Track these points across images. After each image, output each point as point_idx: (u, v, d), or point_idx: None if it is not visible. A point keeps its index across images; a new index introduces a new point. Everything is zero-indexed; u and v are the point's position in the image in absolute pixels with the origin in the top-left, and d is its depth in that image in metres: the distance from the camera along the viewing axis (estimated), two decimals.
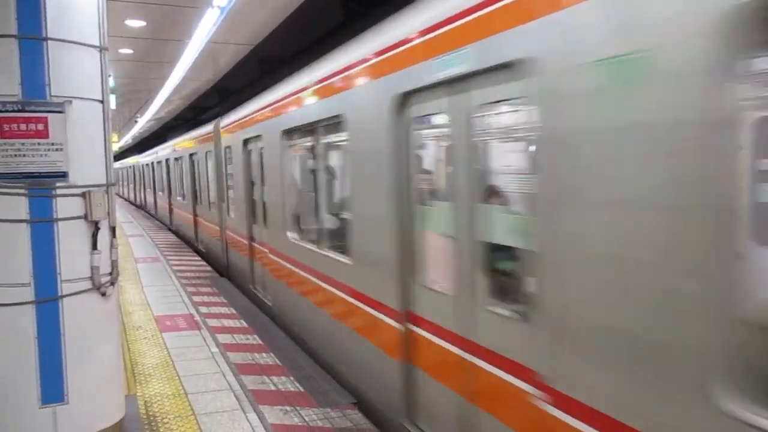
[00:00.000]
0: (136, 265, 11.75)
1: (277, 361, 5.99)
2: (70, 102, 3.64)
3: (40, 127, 3.56)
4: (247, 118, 8.39)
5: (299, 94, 6.04)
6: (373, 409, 4.71)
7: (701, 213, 1.97)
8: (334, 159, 5.96)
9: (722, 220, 1.91)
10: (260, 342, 6.68)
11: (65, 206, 3.67)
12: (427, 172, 4.10)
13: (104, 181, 3.88)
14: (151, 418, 4.56)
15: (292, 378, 5.52)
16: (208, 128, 11.76)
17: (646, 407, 2.18)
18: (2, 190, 3.53)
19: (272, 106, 7.10)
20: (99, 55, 3.83)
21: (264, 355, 6.21)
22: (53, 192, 3.63)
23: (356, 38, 4.86)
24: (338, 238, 5.49)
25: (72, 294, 3.70)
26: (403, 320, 4.11)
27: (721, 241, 1.92)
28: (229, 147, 9.80)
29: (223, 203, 10.78)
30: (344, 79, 4.81)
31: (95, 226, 3.78)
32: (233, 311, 8.16)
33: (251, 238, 8.69)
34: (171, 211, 18.83)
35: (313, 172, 6.20)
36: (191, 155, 13.99)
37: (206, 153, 12.00)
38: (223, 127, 10.16)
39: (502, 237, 3.19)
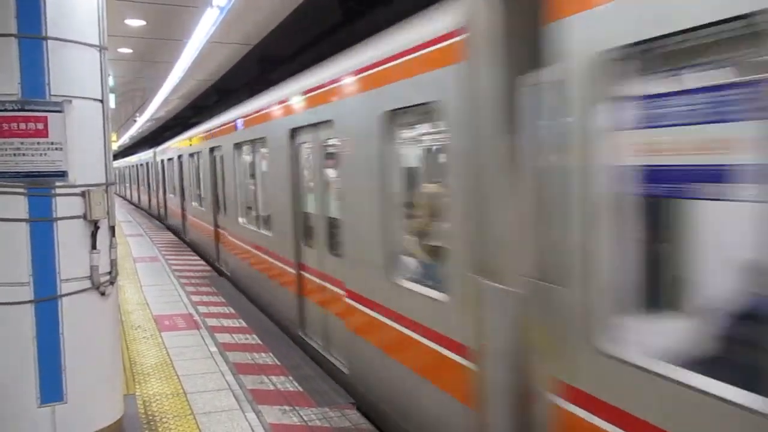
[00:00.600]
0: (135, 265, 11.75)
1: (276, 361, 6.00)
2: (70, 101, 3.64)
3: (40, 126, 3.56)
4: (209, 132, 11.26)
5: (244, 117, 8.63)
6: (284, 329, 7.18)
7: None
8: (263, 166, 8.35)
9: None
10: (259, 342, 6.68)
11: (64, 205, 3.67)
12: (305, 175, 6.45)
13: (103, 181, 3.88)
14: (150, 418, 4.57)
15: (290, 378, 5.52)
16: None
17: (370, 284, 4.72)
18: (1, 190, 3.54)
19: (226, 125, 9.75)
20: (99, 55, 3.83)
21: (263, 354, 6.21)
22: (52, 191, 3.63)
23: (267, 90, 7.96)
24: (266, 221, 8.07)
25: (71, 293, 3.70)
26: (296, 268, 6.56)
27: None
28: (199, 152, 12.59)
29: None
30: (263, 116, 7.61)
31: (94, 226, 3.79)
32: (232, 311, 8.17)
33: (216, 225, 11.37)
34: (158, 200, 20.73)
35: (252, 175, 9.14)
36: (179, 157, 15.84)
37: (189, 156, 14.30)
38: (204, 134, 12.19)
39: (334, 213, 5.57)
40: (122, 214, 23.80)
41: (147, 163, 23.93)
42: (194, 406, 4.80)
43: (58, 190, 3.65)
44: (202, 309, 8.12)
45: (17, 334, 3.60)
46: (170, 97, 14.97)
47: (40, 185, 3.60)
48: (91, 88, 3.80)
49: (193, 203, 13.88)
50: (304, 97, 5.95)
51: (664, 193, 2.52)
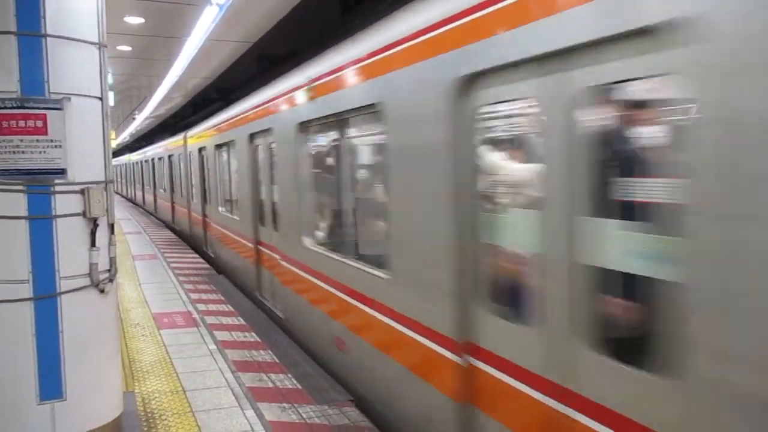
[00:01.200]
0: (134, 263, 11.75)
1: (275, 359, 6.01)
2: (69, 99, 3.64)
3: (39, 123, 3.56)
4: (198, 135, 12.94)
5: (220, 124, 10.37)
6: (249, 294, 8.87)
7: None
8: (233, 164, 9.78)
9: None
10: (258, 339, 6.69)
11: (64, 203, 3.67)
12: (260, 170, 8.10)
13: (103, 178, 3.88)
14: (149, 415, 4.57)
15: (290, 375, 5.53)
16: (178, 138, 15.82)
17: (292, 249, 6.50)
18: (1, 187, 3.54)
19: (209, 129, 11.49)
20: (98, 52, 3.83)
21: (262, 352, 6.22)
22: (52, 189, 3.63)
23: (235, 103, 9.72)
24: (236, 208, 9.66)
25: (70, 291, 3.70)
26: (255, 244, 8.25)
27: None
28: (191, 153, 14.00)
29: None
30: (232, 123, 9.37)
31: (94, 223, 3.79)
32: (231, 308, 8.17)
33: (204, 215, 12.89)
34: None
35: (227, 172, 10.63)
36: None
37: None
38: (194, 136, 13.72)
39: (275, 199, 7.29)
40: (119, 211, 23.78)
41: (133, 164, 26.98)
42: (193, 403, 4.81)
43: (57, 188, 3.65)
44: (201, 307, 8.12)
45: (16, 332, 3.60)
46: (170, 95, 14.96)
47: (40, 183, 3.60)
48: (91, 86, 3.80)
49: (182, 196, 15.72)
50: (256, 110, 7.78)
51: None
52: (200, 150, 12.46)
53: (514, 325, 2.98)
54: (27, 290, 3.58)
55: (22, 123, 3.53)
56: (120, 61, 10.62)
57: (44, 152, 3.59)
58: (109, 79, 4.30)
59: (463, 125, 3.22)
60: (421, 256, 3.70)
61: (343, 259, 5.14)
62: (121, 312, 7.53)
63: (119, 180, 37.81)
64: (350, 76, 4.69)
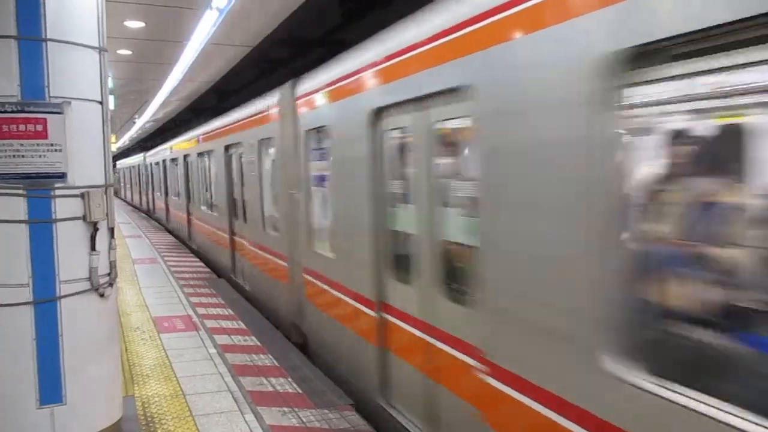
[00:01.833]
0: (134, 266, 11.74)
1: (275, 363, 6.00)
2: (69, 103, 3.64)
3: (39, 127, 3.57)
4: (189, 140, 14.58)
5: (204, 135, 12.23)
6: (225, 277, 10.77)
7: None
8: (212, 169, 11.74)
9: None
10: (258, 343, 6.68)
11: (64, 207, 3.68)
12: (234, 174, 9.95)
13: (103, 182, 3.89)
14: (149, 419, 4.56)
15: (289, 379, 5.52)
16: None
17: (255, 234, 8.67)
18: (1, 191, 3.54)
19: (193, 138, 13.54)
20: (98, 56, 3.84)
21: (262, 356, 6.21)
22: (52, 193, 3.64)
23: (216, 118, 11.43)
24: (215, 206, 11.58)
25: (70, 295, 3.70)
26: (230, 234, 10.25)
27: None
28: (176, 159, 16.42)
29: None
30: (210, 136, 11.38)
31: (94, 227, 3.79)
32: (231, 312, 8.16)
33: (188, 213, 15.19)
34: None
35: (207, 176, 12.53)
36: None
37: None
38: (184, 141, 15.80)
39: (244, 196, 9.26)
40: (119, 214, 23.78)
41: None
42: (193, 407, 4.80)
43: (57, 192, 3.65)
44: (201, 311, 8.12)
45: (16, 335, 3.60)
46: (170, 99, 14.98)
47: (40, 186, 3.61)
48: (91, 90, 3.81)
49: (173, 198, 17.88)
50: (229, 126, 9.82)
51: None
52: (185, 157, 15.13)
53: (405, 286, 4.26)
54: (27, 294, 3.58)
55: (22, 127, 3.54)
56: (120, 65, 10.62)
57: (44, 156, 3.60)
58: (110, 83, 4.31)
59: (375, 143, 4.55)
60: (352, 241, 5.01)
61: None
62: (121, 316, 7.52)
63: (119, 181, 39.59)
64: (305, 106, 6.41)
